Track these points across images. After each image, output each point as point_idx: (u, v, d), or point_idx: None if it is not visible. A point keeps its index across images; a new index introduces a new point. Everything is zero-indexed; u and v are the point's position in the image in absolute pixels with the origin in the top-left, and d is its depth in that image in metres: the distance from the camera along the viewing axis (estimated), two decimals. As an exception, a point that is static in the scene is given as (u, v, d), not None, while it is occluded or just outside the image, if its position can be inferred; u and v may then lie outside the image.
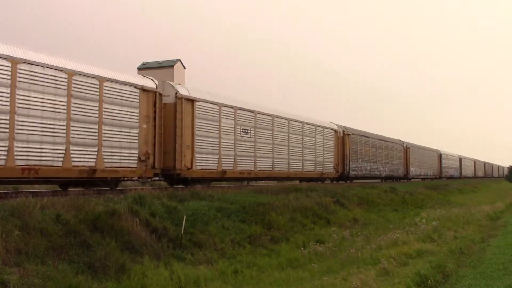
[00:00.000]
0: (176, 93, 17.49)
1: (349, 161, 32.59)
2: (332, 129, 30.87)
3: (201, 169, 18.28)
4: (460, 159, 74.94)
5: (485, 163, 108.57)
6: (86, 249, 9.11)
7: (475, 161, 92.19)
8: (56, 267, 8.13)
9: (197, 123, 18.18)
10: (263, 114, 22.80)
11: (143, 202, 12.00)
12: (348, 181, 33.07)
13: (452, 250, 11.64)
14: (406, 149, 46.96)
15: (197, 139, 18.10)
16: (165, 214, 11.92)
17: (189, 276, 9.16)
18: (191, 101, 18.05)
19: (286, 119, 24.90)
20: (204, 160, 18.46)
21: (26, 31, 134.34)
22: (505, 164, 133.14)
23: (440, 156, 61.37)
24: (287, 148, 24.73)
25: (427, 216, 18.93)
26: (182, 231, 11.18)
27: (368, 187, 28.12)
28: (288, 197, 17.73)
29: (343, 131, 32.41)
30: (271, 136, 23.35)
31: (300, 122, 26.53)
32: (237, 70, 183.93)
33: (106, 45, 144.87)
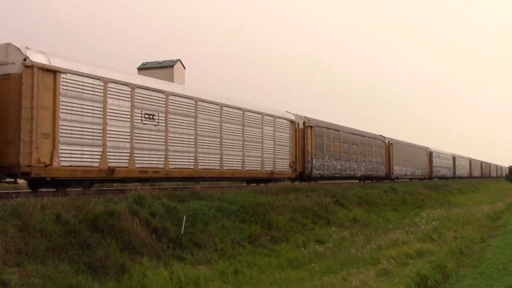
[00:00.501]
0: (24, 60, 12.40)
1: (312, 158, 27.15)
2: (287, 120, 24.97)
3: (70, 166, 13.34)
4: (454, 158, 70.01)
5: (481, 163, 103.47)
6: (86, 249, 9.11)
7: (470, 160, 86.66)
8: (56, 267, 8.14)
9: (63, 103, 13.22)
10: (179, 97, 17.45)
11: (143, 202, 12.02)
12: (312, 182, 27.49)
13: (452, 250, 11.66)
14: (389, 145, 41.45)
15: (62, 125, 13.19)
16: (165, 214, 11.93)
17: (189, 276, 9.16)
18: (53, 72, 13.06)
19: (217, 104, 19.47)
20: (75, 154, 13.51)
21: (26, 30, 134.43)
22: (505, 164, 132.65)
23: (430, 154, 55.99)
24: (218, 140, 19.36)
25: (427, 216, 18.97)
26: (182, 231, 11.18)
27: (368, 187, 28.15)
28: (288, 197, 17.73)
29: (304, 123, 26.78)
30: (194, 125, 17.99)
31: (239, 109, 20.99)
32: (237, 70, 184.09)
33: (106, 45, 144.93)
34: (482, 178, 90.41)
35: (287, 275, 10.11)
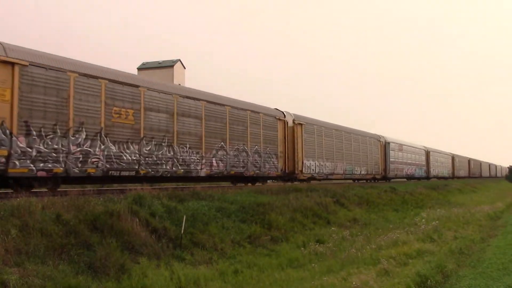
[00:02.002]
0: None
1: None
2: None
3: None
4: (427, 152, 54.90)
5: (469, 160, 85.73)
6: (86, 249, 9.11)
7: (453, 157, 69.22)
8: (56, 267, 8.13)
9: None
10: None
11: (143, 202, 12.01)
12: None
13: (452, 250, 11.68)
14: (294, 127, 26.28)
15: None
16: (165, 214, 11.92)
17: (189, 276, 9.16)
18: None
19: None
20: None
21: (26, 30, 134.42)
22: (505, 164, 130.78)
23: (385, 146, 40.75)
24: None
25: (427, 216, 18.99)
26: (182, 231, 11.18)
27: (368, 187, 28.10)
28: (288, 197, 17.73)
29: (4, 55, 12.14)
30: None
31: None
32: (238, 70, 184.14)
33: (107, 45, 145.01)
34: (470, 179, 74.05)
35: (287, 275, 10.11)
